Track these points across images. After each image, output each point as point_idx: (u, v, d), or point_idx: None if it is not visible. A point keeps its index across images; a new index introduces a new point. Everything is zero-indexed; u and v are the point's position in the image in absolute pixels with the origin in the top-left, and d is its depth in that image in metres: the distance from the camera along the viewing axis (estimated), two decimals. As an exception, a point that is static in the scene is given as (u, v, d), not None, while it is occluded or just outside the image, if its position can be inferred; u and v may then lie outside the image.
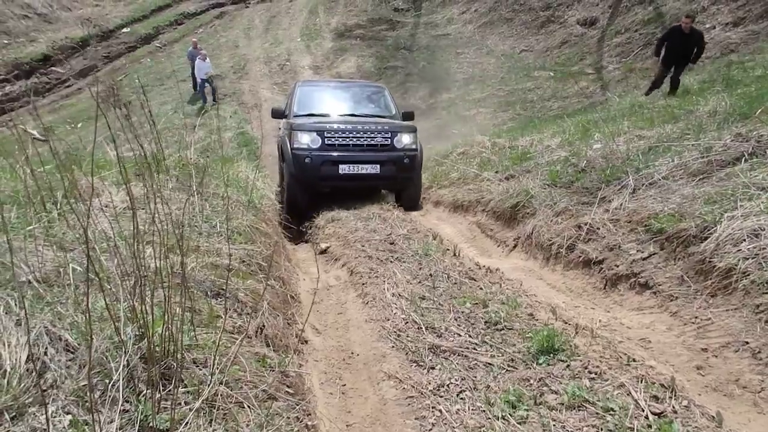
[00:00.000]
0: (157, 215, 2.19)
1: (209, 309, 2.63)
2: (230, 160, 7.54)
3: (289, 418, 2.13)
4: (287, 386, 2.42)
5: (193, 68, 18.24)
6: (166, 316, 1.98)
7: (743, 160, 4.29)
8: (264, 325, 2.88)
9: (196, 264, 3.00)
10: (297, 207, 6.98)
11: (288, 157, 6.97)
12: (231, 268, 2.90)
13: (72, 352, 1.98)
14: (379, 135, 6.93)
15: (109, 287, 2.33)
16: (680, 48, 9.27)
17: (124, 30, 24.10)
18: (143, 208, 3.33)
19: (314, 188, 7.03)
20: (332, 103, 8.22)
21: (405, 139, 7.07)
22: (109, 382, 1.82)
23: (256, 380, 2.22)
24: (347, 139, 6.82)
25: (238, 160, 7.65)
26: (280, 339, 2.98)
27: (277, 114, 8.21)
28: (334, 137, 6.80)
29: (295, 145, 6.87)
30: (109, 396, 1.77)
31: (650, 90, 10.03)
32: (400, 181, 7.31)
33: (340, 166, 6.75)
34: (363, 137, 6.86)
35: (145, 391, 1.86)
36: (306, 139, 6.81)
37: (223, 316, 2.50)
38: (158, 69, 21.05)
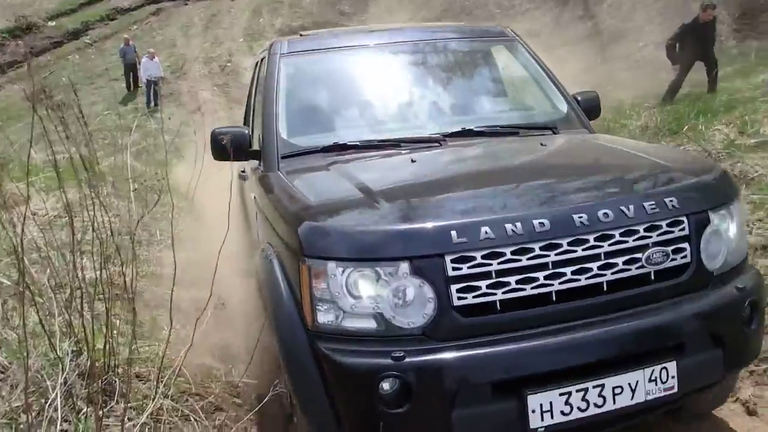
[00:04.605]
0: (93, 223, 2.11)
1: (152, 321, 2.56)
2: (169, 164, 7.27)
3: (237, 428, 2.10)
4: (235, 396, 2.39)
5: (126, 67, 17.52)
6: (106, 330, 1.92)
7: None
8: (209, 335, 2.82)
9: (135, 274, 2.89)
10: None
11: (297, 377, 1.64)
12: (174, 276, 2.82)
13: (2, 372, 1.88)
14: (654, 228, 1.63)
15: (42, 301, 2.21)
16: (700, 43, 8.51)
17: (50, 23, 22.69)
18: (77, 216, 3.18)
19: None
20: (385, 103, 2.73)
21: (733, 231, 1.80)
22: (46, 402, 1.73)
23: (202, 392, 2.18)
24: (538, 270, 1.53)
25: (178, 164, 7.38)
26: (226, 348, 2.93)
27: (234, 149, 2.29)
28: (490, 271, 1.50)
29: (322, 319, 1.56)
30: (46, 416, 1.69)
31: (670, 95, 8.71)
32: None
33: (531, 401, 1.46)
34: (591, 252, 1.56)
35: (85, 409, 1.79)
36: (369, 294, 1.51)
37: (167, 328, 2.43)
38: (88, 67, 19.99)
